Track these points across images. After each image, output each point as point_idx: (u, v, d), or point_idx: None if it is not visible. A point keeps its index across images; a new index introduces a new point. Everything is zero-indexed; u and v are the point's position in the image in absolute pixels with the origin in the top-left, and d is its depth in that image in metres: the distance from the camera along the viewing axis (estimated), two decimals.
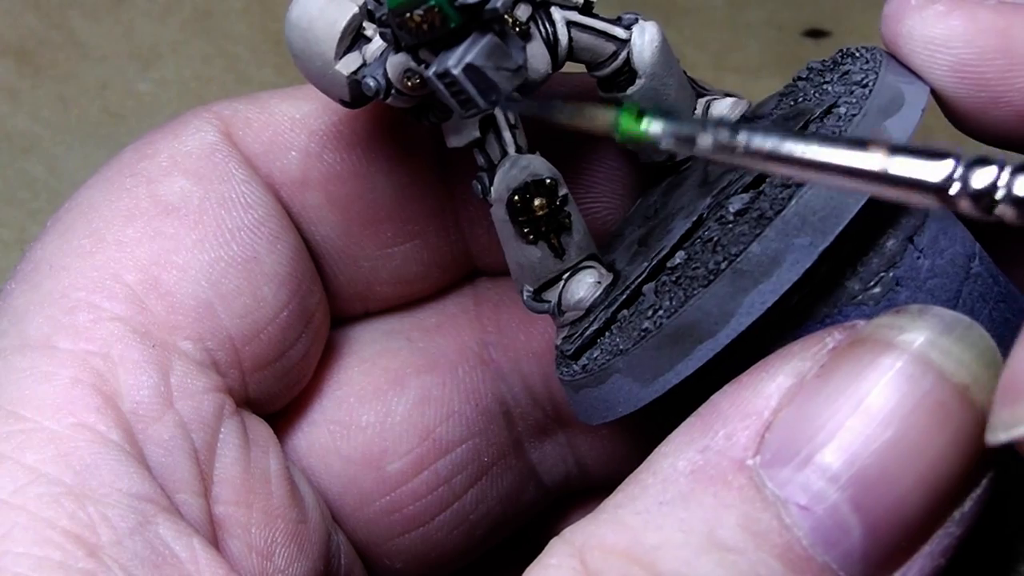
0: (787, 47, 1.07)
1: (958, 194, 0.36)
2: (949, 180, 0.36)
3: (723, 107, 0.50)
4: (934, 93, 0.45)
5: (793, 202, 0.42)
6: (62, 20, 1.00)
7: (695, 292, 0.43)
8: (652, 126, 0.39)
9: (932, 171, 0.36)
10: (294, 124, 0.51)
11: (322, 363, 0.54)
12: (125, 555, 0.41)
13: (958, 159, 0.36)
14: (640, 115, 0.39)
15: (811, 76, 0.48)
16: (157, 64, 0.99)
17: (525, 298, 0.49)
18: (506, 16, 0.43)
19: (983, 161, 0.36)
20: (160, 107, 0.96)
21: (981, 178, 0.35)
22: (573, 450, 0.58)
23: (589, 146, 0.53)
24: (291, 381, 0.52)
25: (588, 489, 0.59)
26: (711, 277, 0.42)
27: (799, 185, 0.42)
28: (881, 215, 0.43)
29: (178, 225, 0.48)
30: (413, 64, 0.44)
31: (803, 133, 0.38)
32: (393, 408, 0.54)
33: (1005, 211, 0.35)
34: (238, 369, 0.49)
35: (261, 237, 0.50)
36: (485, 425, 0.55)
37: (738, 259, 0.42)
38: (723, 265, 0.42)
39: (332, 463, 0.53)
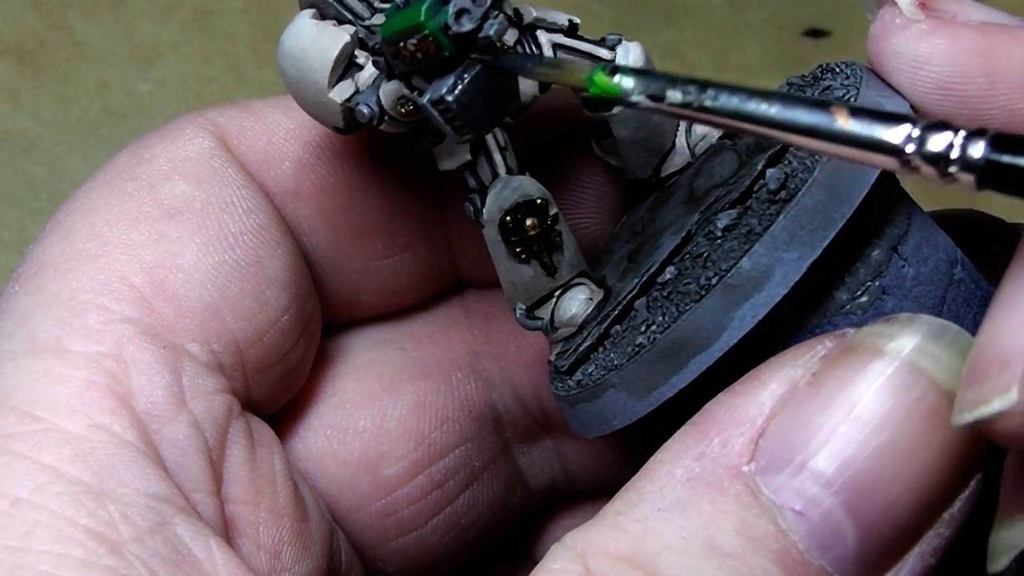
0: (787, 47, 1.07)
1: (915, 156, 0.37)
2: (906, 142, 0.37)
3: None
4: (916, 110, 0.46)
5: (781, 217, 0.43)
6: (62, 20, 1.00)
7: (688, 307, 0.43)
8: (624, 81, 0.40)
9: (890, 133, 0.37)
10: (288, 134, 0.52)
11: (317, 370, 0.55)
12: (146, 552, 0.42)
13: (915, 123, 0.37)
14: (613, 72, 0.40)
15: (791, 91, 0.48)
16: (157, 64, 0.99)
17: (518, 316, 0.50)
18: (497, 42, 0.44)
19: (940, 126, 0.37)
20: (160, 107, 0.97)
21: (937, 142, 0.36)
22: (559, 455, 0.59)
23: (577, 164, 0.54)
24: (289, 384, 0.53)
25: (573, 494, 0.60)
26: (703, 292, 0.43)
27: (786, 200, 0.43)
28: (866, 226, 0.44)
29: (182, 228, 0.49)
30: (406, 91, 0.45)
31: (768, 92, 0.39)
32: (389, 413, 0.55)
33: (960, 175, 0.36)
34: (241, 371, 0.50)
35: (263, 242, 0.50)
36: (477, 431, 0.56)
37: (729, 274, 0.43)
38: (714, 280, 0.43)
39: (329, 467, 0.54)
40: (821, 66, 0.48)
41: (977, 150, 0.36)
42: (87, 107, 0.96)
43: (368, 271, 0.54)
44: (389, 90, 0.45)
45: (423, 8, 0.42)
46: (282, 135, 0.52)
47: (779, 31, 1.09)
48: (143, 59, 0.99)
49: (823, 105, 0.38)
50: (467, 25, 0.43)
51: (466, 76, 0.43)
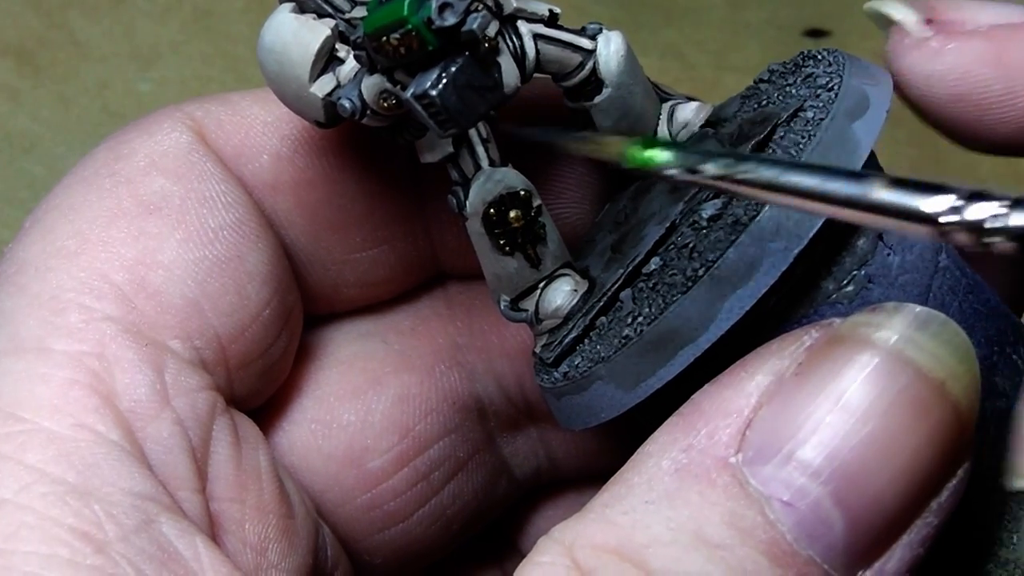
0: (787, 47, 1.07)
1: (953, 226, 0.35)
2: (946, 213, 0.35)
3: (687, 112, 0.50)
4: (938, 116, 0.46)
5: (767, 207, 0.42)
6: (62, 20, 1.00)
7: (674, 299, 0.43)
8: (660, 155, 0.40)
9: (930, 204, 0.36)
10: (266, 127, 0.52)
11: (300, 364, 0.55)
12: (132, 551, 0.42)
13: (956, 192, 0.35)
14: (647, 145, 0.40)
15: (773, 79, 0.48)
16: (157, 64, 0.99)
17: (502, 308, 0.50)
18: (481, 35, 0.43)
19: (981, 195, 0.35)
20: (160, 107, 0.97)
21: (977, 211, 0.35)
22: (544, 444, 0.59)
23: (555, 156, 0.53)
24: (272, 378, 0.53)
25: (557, 481, 0.60)
26: (689, 284, 0.43)
27: None
28: None
29: (161, 224, 0.49)
30: (389, 85, 0.44)
31: (805, 164, 0.38)
32: (373, 407, 0.55)
33: (1000, 244, 0.35)
34: (224, 367, 0.50)
35: (243, 236, 0.50)
36: (461, 422, 0.56)
37: (716, 265, 0.43)
38: (701, 272, 0.43)
39: (314, 461, 0.54)
40: (803, 53, 0.48)
41: (1019, 219, 0.35)
42: (87, 107, 0.96)
43: (348, 264, 0.54)
44: (371, 84, 0.45)
45: (406, 3, 0.42)
46: (260, 128, 0.52)
47: (779, 31, 1.09)
48: (143, 59, 0.99)
49: (861, 176, 0.37)
50: (450, 19, 0.42)
51: (450, 70, 0.43)
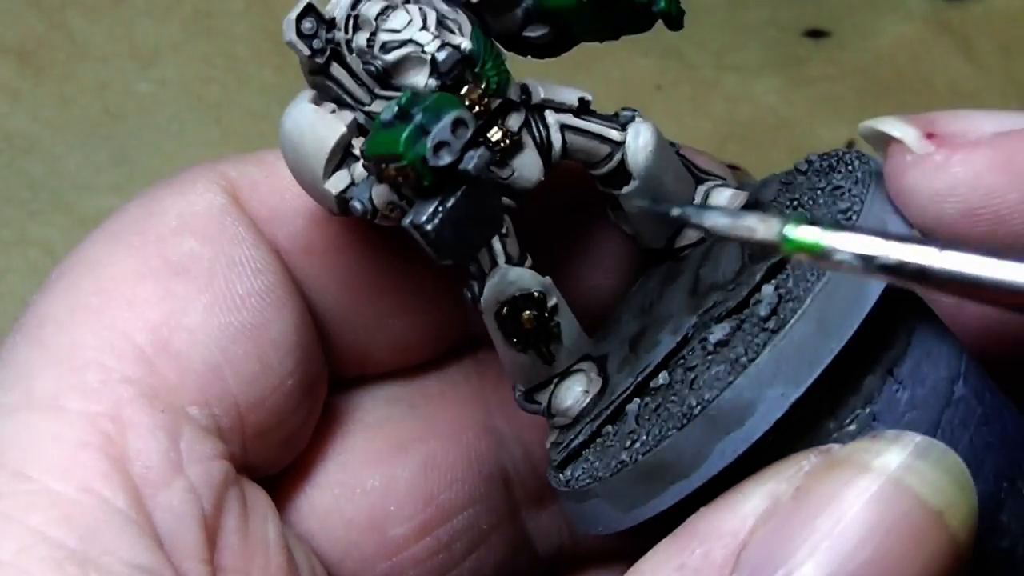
0: (787, 47, 1.07)
1: None
2: None
3: (722, 199, 0.50)
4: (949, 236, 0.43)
5: (767, 351, 0.42)
6: (62, 20, 0.99)
7: (670, 432, 0.43)
8: (827, 239, 0.36)
9: None
10: (301, 190, 0.51)
11: (325, 428, 0.54)
12: None
13: None
14: (810, 223, 0.36)
15: (809, 173, 0.47)
16: (157, 64, 0.99)
17: (517, 397, 0.49)
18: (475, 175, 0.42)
19: None
20: (160, 107, 0.96)
21: None
22: (568, 521, 0.57)
23: (594, 225, 0.53)
24: (289, 447, 0.52)
25: (579, 559, 0.59)
26: (685, 421, 0.43)
27: (775, 331, 0.42)
28: (858, 354, 0.43)
29: (188, 287, 0.48)
30: (395, 198, 0.44)
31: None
32: (398, 473, 0.54)
33: None
34: (240, 435, 0.49)
35: (270, 304, 0.49)
36: (486, 492, 0.55)
37: (711, 405, 0.42)
38: (696, 409, 0.43)
39: (334, 527, 0.53)
40: (837, 155, 0.47)
41: None
42: (87, 107, 0.96)
43: (379, 328, 0.53)
44: (380, 193, 0.44)
45: (402, 138, 0.41)
46: (295, 191, 0.50)
47: (779, 31, 1.08)
48: (143, 59, 0.99)
49: None
50: (446, 159, 0.41)
51: (448, 203, 0.42)
